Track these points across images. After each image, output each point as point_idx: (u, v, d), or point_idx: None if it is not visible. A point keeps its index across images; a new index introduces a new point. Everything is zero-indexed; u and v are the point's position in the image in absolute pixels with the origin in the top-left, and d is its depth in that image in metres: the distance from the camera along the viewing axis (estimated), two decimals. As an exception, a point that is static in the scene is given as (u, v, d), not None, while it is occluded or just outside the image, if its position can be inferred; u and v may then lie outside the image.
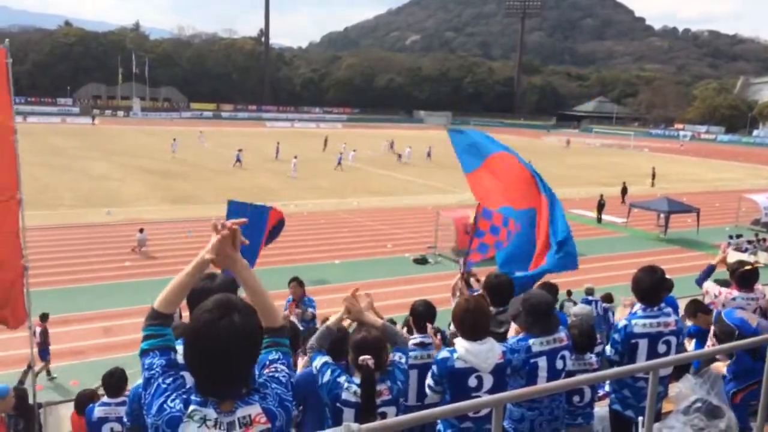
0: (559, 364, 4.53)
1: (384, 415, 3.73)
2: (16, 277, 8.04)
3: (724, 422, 4.71)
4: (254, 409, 2.30)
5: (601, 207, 31.22)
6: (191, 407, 2.25)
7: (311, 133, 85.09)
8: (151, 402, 2.29)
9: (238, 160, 44.80)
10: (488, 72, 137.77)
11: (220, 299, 2.33)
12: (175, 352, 2.46)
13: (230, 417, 2.26)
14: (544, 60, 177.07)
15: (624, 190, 37.55)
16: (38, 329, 13.01)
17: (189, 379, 2.35)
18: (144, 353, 2.42)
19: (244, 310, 2.30)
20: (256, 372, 2.48)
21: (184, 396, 2.28)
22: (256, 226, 8.97)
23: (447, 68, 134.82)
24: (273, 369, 2.46)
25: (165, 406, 2.25)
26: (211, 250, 2.49)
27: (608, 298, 13.09)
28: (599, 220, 31.05)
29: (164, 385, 2.30)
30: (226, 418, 2.25)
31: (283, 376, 2.45)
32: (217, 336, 2.22)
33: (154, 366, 2.36)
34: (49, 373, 13.34)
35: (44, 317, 13.26)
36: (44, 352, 13.14)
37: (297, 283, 10.62)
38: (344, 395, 3.73)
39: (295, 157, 42.65)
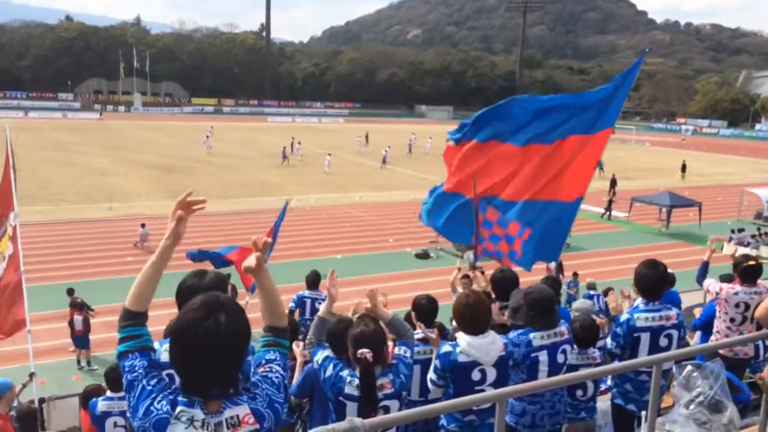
0: (560, 358, 4.54)
1: (387, 409, 3.72)
2: (17, 286, 8.31)
3: (726, 416, 4.72)
4: (242, 410, 2.26)
5: (610, 203, 30.90)
6: (178, 408, 2.21)
7: (314, 128, 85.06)
8: (136, 405, 2.25)
9: (285, 157, 44.63)
10: (490, 66, 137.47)
11: (207, 298, 2.29)
12: (154, 351, 2.43)
13: (218, 417, 2.23)
14: (546, 54, 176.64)
15: (613, 183, 37.53)
16: (78, 318, 13.32)
17: (176, 378, 2.31)
18: (122, 355, 2.37)
19: (232, 309, 2.26)
20: (251, 369, 2.45)
21: (171, 397, 2.24)
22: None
23: (448, 62, 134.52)
24: (267, 369, 2.43)
25: (151, 408, 2.22)
26: (171, 236, 2.48)
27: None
28: (609, 216, 30.64)
29: (149, 387, 2.26)
30: (214, 418, 2.22)
31: (277, 378, 2.42)
32: (201, 336, 2.18)
33: (136, 368, 2.32)
34: (89, 363, 13.57)
35: (83, 306, 13.54)
36: (84, 340, 13.50)
37: None
38: (347, 389, 3.72)
39: (329, 155, 42.80)
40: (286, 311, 2.64)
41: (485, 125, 7.86)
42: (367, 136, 60.86)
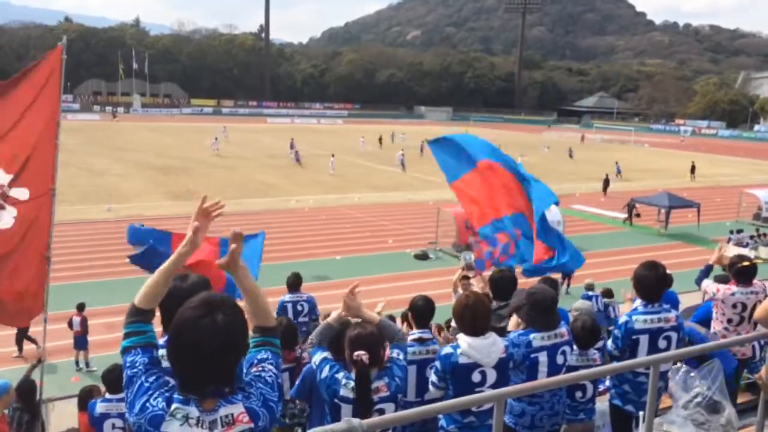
0: (560, 359, 4.55)
1: (382, 412, 3.72)
2: (42, 268, 8.21)
3: (724, 417, 4.73)
4: (237, 408, 2.28)
5: (631, 208, 29.72)
6: (174, 405, 2.24)
7: (313, 129, 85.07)
8: (133, 401, 2.28)
9: (297, 159, 45.04)
10: (489, 67, 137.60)
11: (205, 297, 2.32)
12: (157, 349, 2.45)
13: (212, 416, 2.25)
14: (545, 55, 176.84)
15: (606, 183, 37.48)
16: (77, 319, 13.34)
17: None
18: (125, 351, 2.40)
19: (229, 309, 2.28)
20: (244, 370, 2.47)
21: (167, 394, 2.27)
22: (158, 250, 9.37)
23: (448, 63, 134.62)
24: (260, 368, 2.45)
25: (147, 404, 2.24)
26: (188, 244, 2.51)
27: (608, 293, 13.08)
28: (630, 222, 29.50)
29: (147, 384, 2.29)
30: (209, 416, 2.24)
31: (270, 376, 2.43)
32: (198, 334, 2.21)
33: (137, 364, 2.35)
34: (87, 364, 13.58)
35: (81, 307, 13.67)
36: (83, 341, 13.51)
37: None
38: (342, 391, 3.73)
39: (333, 155, 42.78)
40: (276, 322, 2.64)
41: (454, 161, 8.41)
42: (380, 140, 60.21)
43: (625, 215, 29.93)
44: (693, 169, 46.21)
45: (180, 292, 2.91)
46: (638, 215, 29.58)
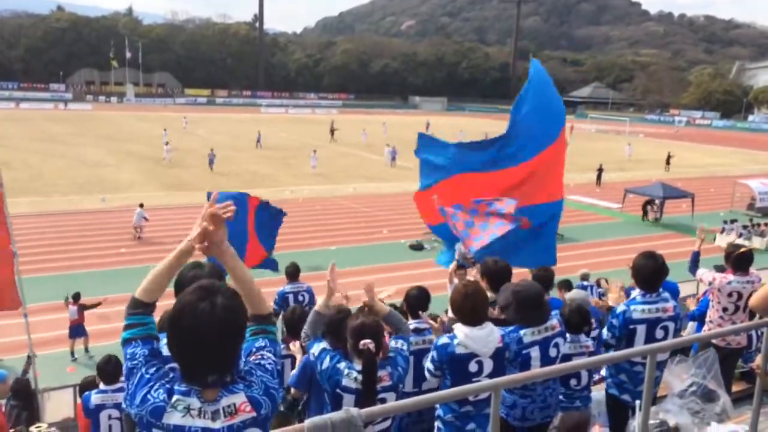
0: (553, 352, 4.51)
1: (383, 401, 3.71)
2: (6, 263, 8.24)
3: (719, 406, 4.75)
4: (239, 398, 2.28)
5: (645, 205, 28.87)
6: (175, 397, 2.23)
7: (308, 119, 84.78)
8: (134, 392, 2.27)
9: (211, 162, 38.03)
10: (484, 57, 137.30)
11: (202, 283, 2.31)
12: (158, 341, 2.44)
13: (214, 406, 2.24)
14: (540, 45, 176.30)
15: (599, 174, 37.51)
16: (73, 308, 13.40)
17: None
18: (126, 342, 2.39)
19: (227, 294, 2.28)
20: (242, 359, 2.45)
21: (168, 385, 2.26)
22: (238, 215, 9.17)
23: (442, 53, 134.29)
24: (259, 356, 2.44)
25: (148, 396, 2.24)
26: (195, 238, 2.47)
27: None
28: (656, 218, 28.69)
29: (147, 375, 2.28)
30: (210, 407, 2.24)
31: (269, 364, 2.43)
32: (197, 319, 2.19)
33: (137, 356, 2.34)
34: (86, 349, 13.68)
35: (77, 296, 13.71)
36: (80, 329, 13.62)
37: None
38: (344, 381, 3.71)
39: (314, 151, 40.63)
40: (272, 309, 2.63)
41: (445, 166, 8.47)
42: (332, 130, 54.57)
43: (619, 204, 29.56)
44: (668, 159, 46.16)
45: (198, 280, 2.90)
46: (656, 217, 28.48)
